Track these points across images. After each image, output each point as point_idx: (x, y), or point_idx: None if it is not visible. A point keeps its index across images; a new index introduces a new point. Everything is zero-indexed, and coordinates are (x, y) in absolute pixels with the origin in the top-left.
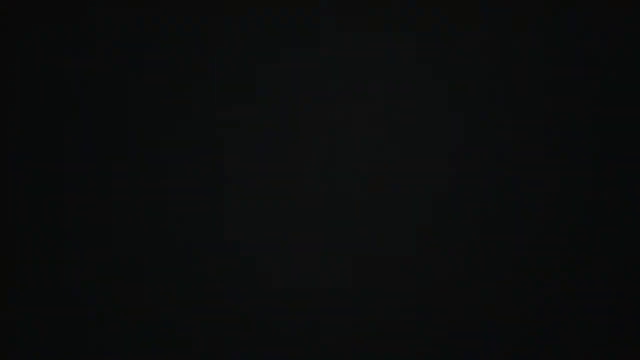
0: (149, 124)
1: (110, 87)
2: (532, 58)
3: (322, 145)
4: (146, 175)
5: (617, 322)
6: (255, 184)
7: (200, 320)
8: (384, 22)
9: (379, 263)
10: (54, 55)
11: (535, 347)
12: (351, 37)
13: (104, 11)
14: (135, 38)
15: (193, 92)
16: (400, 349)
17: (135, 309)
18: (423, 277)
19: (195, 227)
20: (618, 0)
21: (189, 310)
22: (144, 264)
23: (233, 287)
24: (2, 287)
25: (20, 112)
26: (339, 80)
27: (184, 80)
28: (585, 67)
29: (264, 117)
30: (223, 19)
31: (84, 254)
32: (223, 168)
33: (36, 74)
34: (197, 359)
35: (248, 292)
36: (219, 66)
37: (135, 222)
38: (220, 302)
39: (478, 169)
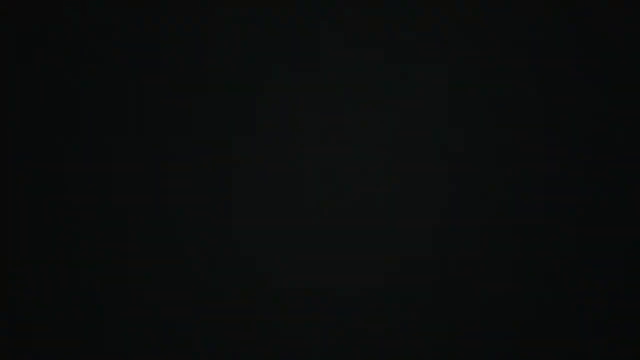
0: (149, 123)
1: (110, 87)
2: (532, 58)
3: (323, 145)
4: (146, 175)
5: (617, 322)
6: (255, 184)
7: (200, 320)
8: (384, 22)
9: (379, 263)
10: (53, 55)
11: (536, 347)
12: (351, 37)
13: (104, 11)
14: (135, 38)
15: (193, 92)
16: (403, 350)
17: (135, 309)
18: (423, 277)
19: (195, 227)
20: (618, 0)
21: (188, 311)
22: (144, 264)
23: (233, 288)
24: (2, 287)
25: (20, 112)
26: (338, 80)
27: (184, 80)
28: (585, 67)
29: (264, 117)
30: (223, 19)
31: (83, 254)
32: (223, 168)
33: (36, 74)
34: (197, 359)
35: (248, 293)
36: (219, 66)
37: (135, 222)
38: (220, 303)
39: (478, 169)
